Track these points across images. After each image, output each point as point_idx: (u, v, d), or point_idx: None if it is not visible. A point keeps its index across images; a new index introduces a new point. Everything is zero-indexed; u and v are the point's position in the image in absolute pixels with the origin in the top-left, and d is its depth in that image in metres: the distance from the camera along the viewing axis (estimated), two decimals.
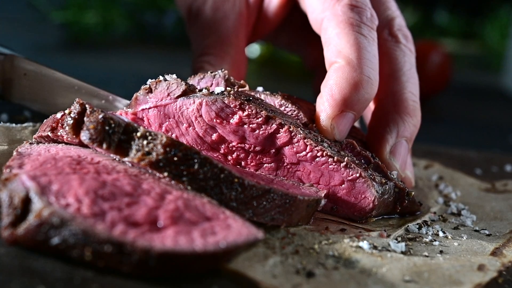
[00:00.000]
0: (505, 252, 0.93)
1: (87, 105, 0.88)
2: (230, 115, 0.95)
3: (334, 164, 0.95)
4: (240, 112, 0.95)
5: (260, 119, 0.95)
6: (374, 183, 0.96)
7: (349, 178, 0.96)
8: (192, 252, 0.74)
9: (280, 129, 0.95)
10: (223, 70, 1.04)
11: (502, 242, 0.97)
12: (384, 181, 0.98)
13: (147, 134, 0.85)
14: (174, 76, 0.97)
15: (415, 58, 1.11)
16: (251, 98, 0.96)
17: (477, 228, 1.01)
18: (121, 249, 0.73)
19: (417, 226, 0.98)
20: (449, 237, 0.96)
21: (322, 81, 1.02)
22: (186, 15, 1.23)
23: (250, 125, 0.95)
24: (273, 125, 0.95)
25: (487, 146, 1.51)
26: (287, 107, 1.03)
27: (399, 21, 1.11)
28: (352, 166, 0.95)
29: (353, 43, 1.00)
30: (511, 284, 0.85)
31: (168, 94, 0.97)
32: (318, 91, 1.03)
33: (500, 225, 1.03)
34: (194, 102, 0.96)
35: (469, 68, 2.43)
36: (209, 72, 1.05)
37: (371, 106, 1.11)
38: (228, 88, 0.97)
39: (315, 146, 0.95)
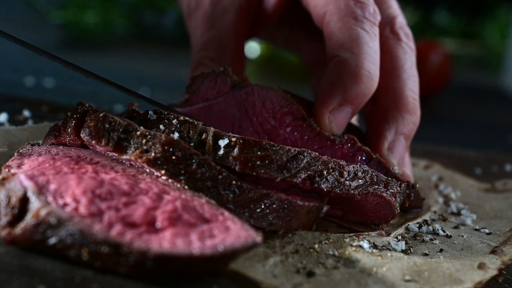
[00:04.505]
0: (505, 250, 0.93)
1: (89, 106, 0.89)
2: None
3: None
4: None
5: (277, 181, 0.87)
6: (397, 203, 0.95)
7: (375, 202, 0.94)
8: (190, 255, 0.73)
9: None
10: (226, 67, 1.04)
11: (502, 240, 0.96)
12: (401, 189, 0.96)
13: (147, 133, 0.85)
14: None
15: (415, 56, 1.11)
16: (258, 163, 0.85)
17: (477, 227, 1.01)
18: (118, 250, 0.72)
19: (417, 225, 0.98)
20: (449, 235, 0.96)
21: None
22: (185, 7, 1.22)
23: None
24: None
25: (487, 146, 1.51)
26: (286, 100, 1.02)
27: (401, 20, 1.11)
28: (383, 196, 0.93)
29: (355, 37, 0.99)
30: (511, 282, 0.85)
31: None
32: (317, 91, 1.03)
33: (500, 224, 1.03)
34: None
35: (469, 68, 2.42)
36: (212, 71, 1.05)
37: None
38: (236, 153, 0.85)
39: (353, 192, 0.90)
